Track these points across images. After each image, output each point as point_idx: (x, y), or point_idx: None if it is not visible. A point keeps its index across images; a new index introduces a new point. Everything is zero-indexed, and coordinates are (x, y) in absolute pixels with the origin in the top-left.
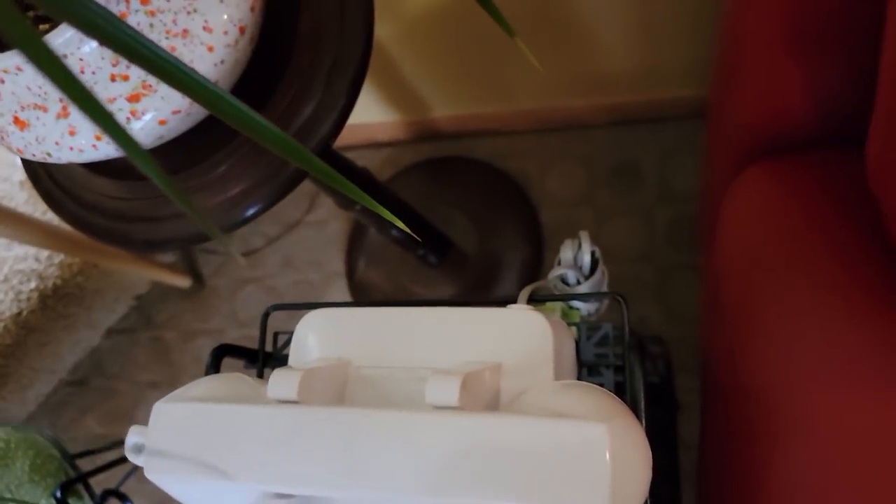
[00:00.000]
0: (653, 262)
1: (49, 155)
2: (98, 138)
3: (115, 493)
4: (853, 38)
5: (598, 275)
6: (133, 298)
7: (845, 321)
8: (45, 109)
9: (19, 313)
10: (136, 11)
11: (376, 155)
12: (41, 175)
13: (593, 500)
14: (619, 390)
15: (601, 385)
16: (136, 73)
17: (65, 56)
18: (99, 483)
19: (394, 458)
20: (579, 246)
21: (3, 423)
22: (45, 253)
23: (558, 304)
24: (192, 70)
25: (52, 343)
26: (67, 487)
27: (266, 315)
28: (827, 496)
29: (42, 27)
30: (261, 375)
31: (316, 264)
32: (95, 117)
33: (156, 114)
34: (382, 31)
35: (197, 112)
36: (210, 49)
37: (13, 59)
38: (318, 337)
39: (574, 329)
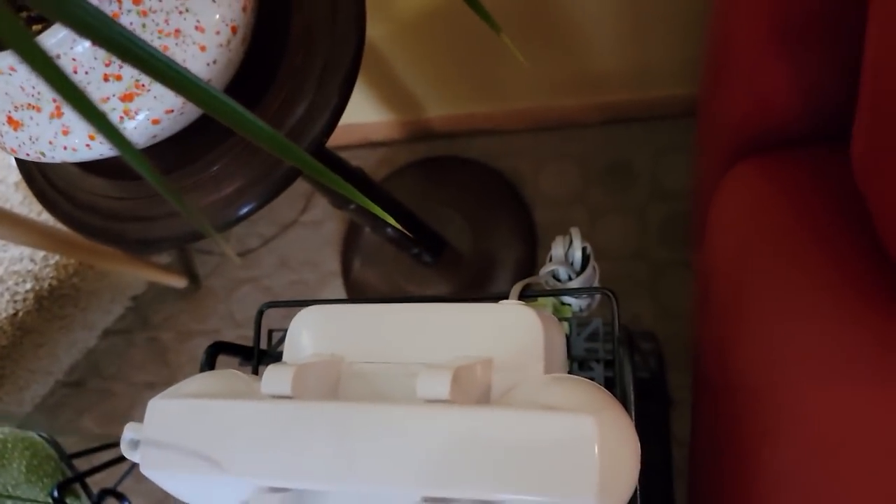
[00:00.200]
0: (646, 259)
1: (43, 154)
2: (92, 138)
3: (112, 492)
4: (838, 37)
5: (589, 271)
6: (129, 299)
7: (834, 317)
8: (38, 109)
9: (15, 314)
10: (129, 11)
11: (371, 155)
12: (35, 175)
13: (582, 490)
14: (609, 384)
15: (591, 379)
16: (129, 73)
17: (58, 56)
18: (96, 483)
19: (386, 452)
20: (570, 242)
21: None
22: (40, 254)
23: (550, 300)
24: (185, 69)
25: (48, 344)
26: (65, 487)
27: (260, 313)
28: (815, 491)
29: (35, 28)
30: (256, 372)
31: (311, 264)
32: (89, 117)
33: (149, 113)
34: (376, 31)
35: (190, 111)
36: (202, 49)
37: (6, 59)
38: (311, 333)
39: (565, 324)
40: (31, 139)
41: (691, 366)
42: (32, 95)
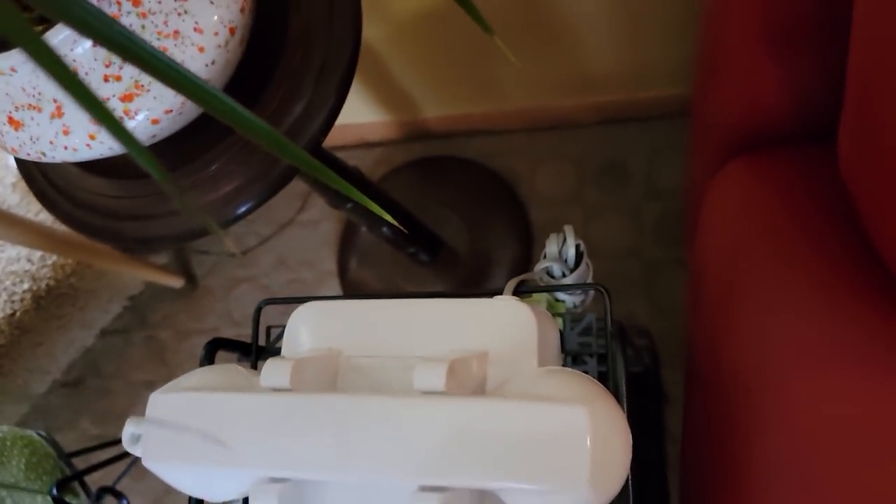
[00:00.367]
0: (640, 258)
1: (43, 154)
2: (92, 137)
3: (110, 490)
4: (828, 39)
5: (582, 268)
6: (127, 299)
7: (824, 311)
8: (39, 109)
9: (13, 314)
10: (129, 13)
11: (368, 155)
12: (35, 175)
13: (574, 478)
14: (603, 378)
15: (585, 373)
16: (129, 74)
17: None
18: (94, 482)
19: (383, 442)
20: (564, 240)
21: None
22: (38, 254)
23: (544, 296)
24: (185, 69)
25: (46, 343)
26: (63, 485)
27: (258, 309)
28: (805, 483)
29: (37, 28)
30: (254, 368)
31: (309, 263)
32: (95, 113)
33: (148, 113)
34: (373, 32)
35: (189, 112)
36: (201, 50)
37: (7, 60)
38: (309, 329)
39: (559, 320)
40: (31, 139)
41: (684, 356)
42: (33, 96)
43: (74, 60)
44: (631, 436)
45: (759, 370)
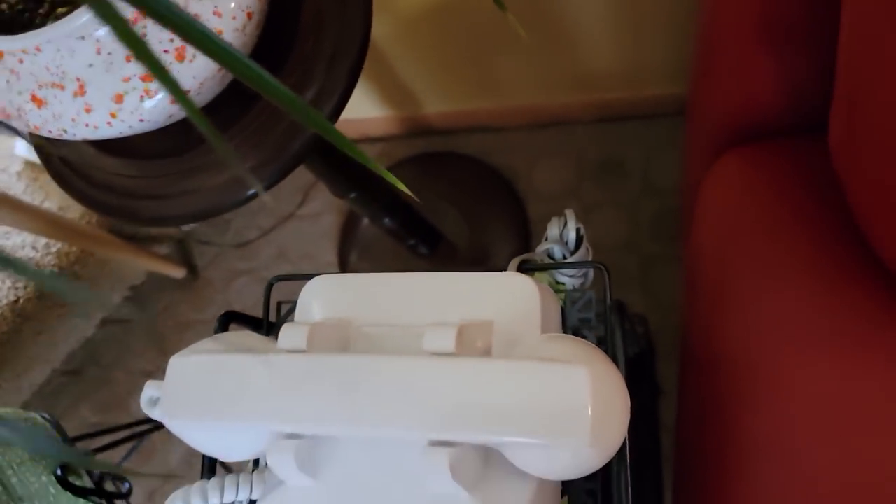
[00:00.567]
0: (637, 252)
1: (65, 131)
2: (113, 115)
3: (112, 474)
4: (822, 33)
5: (582, 251)
6: (128, 289)
7: (813, 292)
8: (62, 88)
9: (16, 301)
10: None
11: (370, 149)
12: (52, 156)
13: (576, 432)
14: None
15: None
16: None
17: (82, 38)
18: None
19: (395, 399)
20: (565, 223)
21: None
22: (42, 242)
23: (545, 277)
24: (218, 36)
25: (47, 332)
26: (67, 467)
27: (270, 286)
28: (792, 455)
29: (60, 10)
30: None
31: (309, 256)
32: (154, 69)
33: (167, 93)
34: (377, 28)
35: (206, 93)
36: (219, 33)
37: (33, 39)
38: (321, 301)
39: (560, 296)
40: (54, 116)
41: (678, 346)
42: (56, 75)
43: (97, 41)
44: (629, 398)
45: (748, 350)
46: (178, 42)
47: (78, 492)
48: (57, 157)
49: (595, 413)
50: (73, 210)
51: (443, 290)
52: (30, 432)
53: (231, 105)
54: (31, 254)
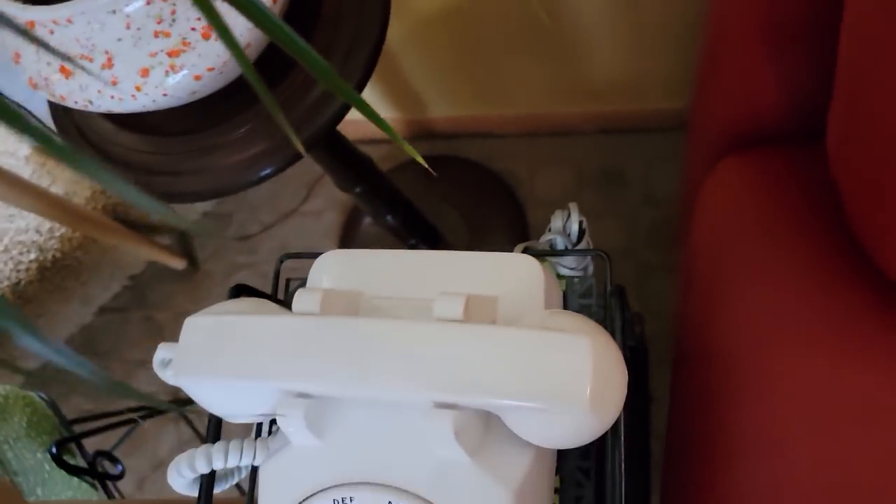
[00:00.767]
0: (634, 260)
1: (90, 103)
2: (138, 89)
3: (106, 454)
4: (826, 37)
5: (584, 243)
6: (127, 278)
7: (803, 294)
8: (90, 60)
9: (17, 283)
10: None
11: (374, 151)
12: (71, 131)
13: (576, 399)
14: None
15: None
16: (177, 31)
17: (113, 12)
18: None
19: (402, 360)
20: (569, 216)
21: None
22: (46, 226)
23: (546, 266)
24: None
25: (45, 315)
26: (62, 445)
27: (280, 262)
28: (778, 449)
29: None
30: None
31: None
32: (218, 30)
33: (192, 69)
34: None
35: (229, 72)
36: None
37: (66, 11)
38: (332, 275)
39: (562, 282)
40: (80, 87)
41: (672, 346)
42: (86, 47)
43: (127, 16)
44: (627, 373)
45: (738, 345)
46: (204, 20)
47: (72, 470)
48: (76, 130)
49: (595, 380)
50: (79, 196)
51: (450, 267)
52: (80, 364)
53: (246, 92)
54: (35, 237)
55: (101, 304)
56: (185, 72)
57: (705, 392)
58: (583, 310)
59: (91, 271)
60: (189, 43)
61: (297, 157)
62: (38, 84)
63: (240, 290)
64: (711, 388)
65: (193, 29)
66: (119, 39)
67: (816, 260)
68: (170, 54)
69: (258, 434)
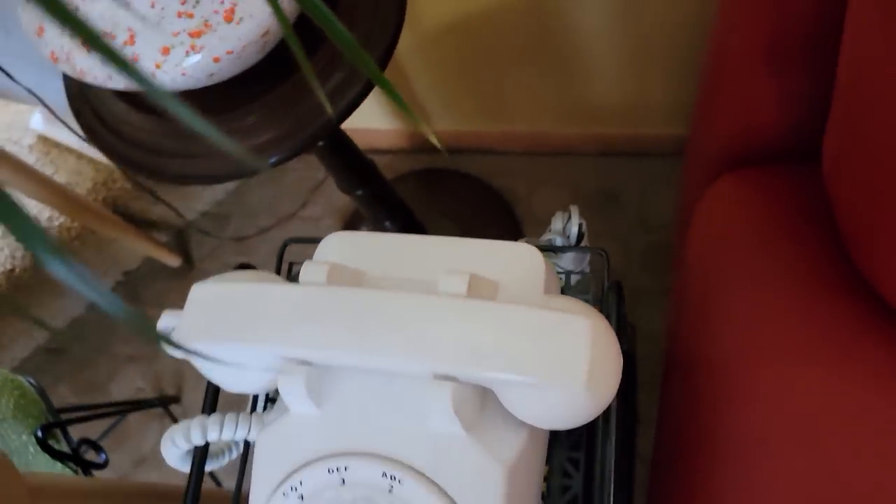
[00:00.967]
0: (626, 283)
1: (110, 78)
2: (158, 66)
3: (91, 442)
4: (827, 58)
5: (582, 245)
6: (121, 273)
7: (795, 302)
8: (113, 37)
9: (12, 270)
10: None
11: (376, 161)
12: (84, 110)
13: (573, 376)
14: None
15: None
16: (200, 13)
17: None
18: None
19: (405, 331)
20: (569, 218)
21: None
22: (45, 214)
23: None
24: None
25: (38, 306)
26: (48, 429)
27: (284, 246)
28: (764, 456)
29: None
30: None
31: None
32: None
33: (212, 51)
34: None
35: (247, 57)
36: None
37: None
38: (337, 256)
39: (562, 277)
40: (101, 62)
41: (661, 369)
42: (110, 23)
43: None
44: (622, 358)
45: (726, 354)
46: (227, 4)
47: (56, 455)
48: (90, 110)
49: (592, 360)
50: (80, 188)
51: (453, 251)
52: (85, 275)
53: (261, 81)
54: None
55: None
56: (204, 52)
57: (694, 399)
58: None
59: (87, 263)
60: (211, 25)
61: (307, 145)
62: (60, 58)
63: (243, 269)
64: (700, 395)
65: (216, 11)
66: (143, 18)
67: (807, 274)
68: (192, 35)
69: (253, 410)
